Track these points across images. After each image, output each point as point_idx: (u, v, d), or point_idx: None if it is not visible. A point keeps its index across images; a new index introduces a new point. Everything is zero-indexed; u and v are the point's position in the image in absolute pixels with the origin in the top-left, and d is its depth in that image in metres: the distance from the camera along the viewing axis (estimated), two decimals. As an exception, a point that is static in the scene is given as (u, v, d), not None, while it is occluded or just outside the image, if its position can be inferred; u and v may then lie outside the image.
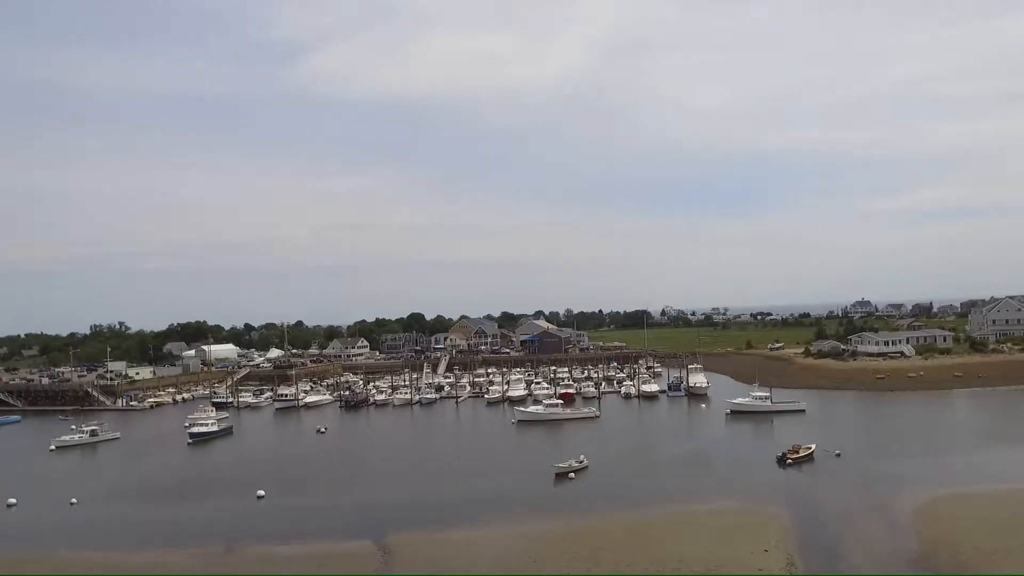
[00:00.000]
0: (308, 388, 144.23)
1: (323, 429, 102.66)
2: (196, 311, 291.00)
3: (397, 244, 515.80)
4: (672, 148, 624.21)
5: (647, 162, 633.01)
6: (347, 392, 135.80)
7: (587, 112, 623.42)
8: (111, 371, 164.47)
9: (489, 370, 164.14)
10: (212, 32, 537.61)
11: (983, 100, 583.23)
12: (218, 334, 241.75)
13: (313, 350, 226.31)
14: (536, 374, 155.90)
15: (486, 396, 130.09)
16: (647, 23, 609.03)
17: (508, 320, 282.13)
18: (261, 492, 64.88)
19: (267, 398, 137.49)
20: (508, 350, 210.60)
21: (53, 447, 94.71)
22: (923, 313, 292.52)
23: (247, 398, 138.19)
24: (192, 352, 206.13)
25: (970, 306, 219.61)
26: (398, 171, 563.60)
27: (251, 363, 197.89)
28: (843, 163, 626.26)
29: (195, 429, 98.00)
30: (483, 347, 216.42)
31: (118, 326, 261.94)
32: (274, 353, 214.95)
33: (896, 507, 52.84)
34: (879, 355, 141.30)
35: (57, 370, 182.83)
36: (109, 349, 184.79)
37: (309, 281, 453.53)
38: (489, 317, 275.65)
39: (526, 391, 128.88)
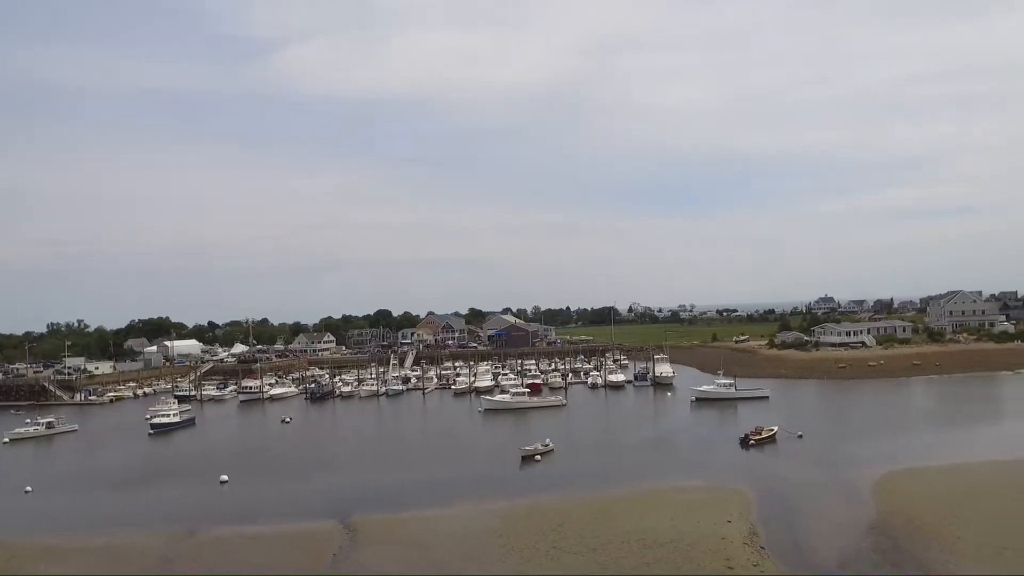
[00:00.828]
0: (273, 381, 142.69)
1: (288, 419, 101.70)
2: (160, 309, 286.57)
3: (367, 243, 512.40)
4: (643, 148, 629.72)
5: (619, 161, 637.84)
6: (313, 385, 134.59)
7: (557, 112, 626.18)
8: (69, 367, 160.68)
9: (456, 363, 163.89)
10: (181, 27, 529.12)
11: (942, 103, 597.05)
12: (181, 331, 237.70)
13: (278, 346, 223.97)
14: (503, 366, 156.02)
15: (453, 387, 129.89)
16: (620, 23, 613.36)
17: (476, 316, 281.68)
18: (224, 477, 64.19)
19: (231, 391, 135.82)
20: (475, 345, 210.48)
21: (7, 439, 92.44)
22: (884, 309, 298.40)
23: (211, 391, 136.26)
24: (154, 348, 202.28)
25: (928, 301, 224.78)
26: (370, 169, 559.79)
27: (215, 358, 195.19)
28: (810, 163, 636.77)
29: (156, 420, 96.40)
30: (450, 342, 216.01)
31: (76, 324, 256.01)
32: (239, 349, 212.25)
33: (854, 482, 53.97)
34: (841, 345, 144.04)
35: (12, 366, 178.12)
36: (68, 344, 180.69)
37: (277, 280, 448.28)
38: (456, 314, 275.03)
39: (493, 382, 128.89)
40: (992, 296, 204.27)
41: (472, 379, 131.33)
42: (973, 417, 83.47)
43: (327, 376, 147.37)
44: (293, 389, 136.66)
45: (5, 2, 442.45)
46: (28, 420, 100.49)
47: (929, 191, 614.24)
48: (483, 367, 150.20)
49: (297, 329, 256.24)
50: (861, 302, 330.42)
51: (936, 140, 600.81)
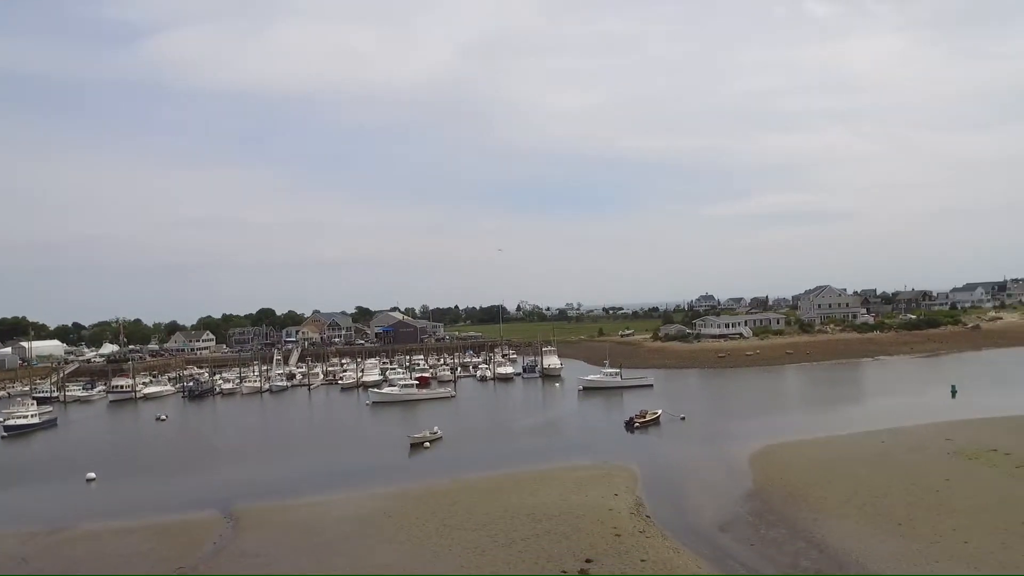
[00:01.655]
0: (147, 380, 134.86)
1: (163, 417, 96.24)
2: (16, 309, 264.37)
3: (250, 241, 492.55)
4: (533, 149, 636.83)
5: (509, 162, 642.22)
6: (191, 383, 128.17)
7: (447, 112, 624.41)
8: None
9: (343, 360, 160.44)
10: (39, 4, 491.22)
11: (814, 114, 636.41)
12: (42, 331, 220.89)
13: (153, 345, 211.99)
14: (392, 362, 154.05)
15: (340, 382, 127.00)
16: (509, 25, 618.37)
17: (363, 315, 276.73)
18: (91, 475, 60.01)
19: (100, 391, 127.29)
20: (363, 342, 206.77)
21: None
22: (760, 305, 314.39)
23: (76, 392, 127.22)
24: (8, 349, 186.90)
25: (799, 298, 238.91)
26: (252, 166, 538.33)
27: (81, 358, 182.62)
28: (691, 168, 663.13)
29: (11, 422, 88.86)
30: (337, 339, 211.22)
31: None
32: (108, 349, 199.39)
33: (733, 456, 56.44)
34: (721, 336, 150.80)
35: None
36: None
37: (152, 278, 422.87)
38: (343, 313, 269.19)
39: (381, 376, 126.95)
40: (855, 292, 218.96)
41: (359, 374, 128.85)
42: (838, 398, 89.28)
43: (206, 374, 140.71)
44: (169, 388, 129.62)
45: None
46: None
47: (799, 197, 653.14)
48: (371, 362, 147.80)
49: (173, 328, 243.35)
50: (739, 299, 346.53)
51: (806, 150, 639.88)
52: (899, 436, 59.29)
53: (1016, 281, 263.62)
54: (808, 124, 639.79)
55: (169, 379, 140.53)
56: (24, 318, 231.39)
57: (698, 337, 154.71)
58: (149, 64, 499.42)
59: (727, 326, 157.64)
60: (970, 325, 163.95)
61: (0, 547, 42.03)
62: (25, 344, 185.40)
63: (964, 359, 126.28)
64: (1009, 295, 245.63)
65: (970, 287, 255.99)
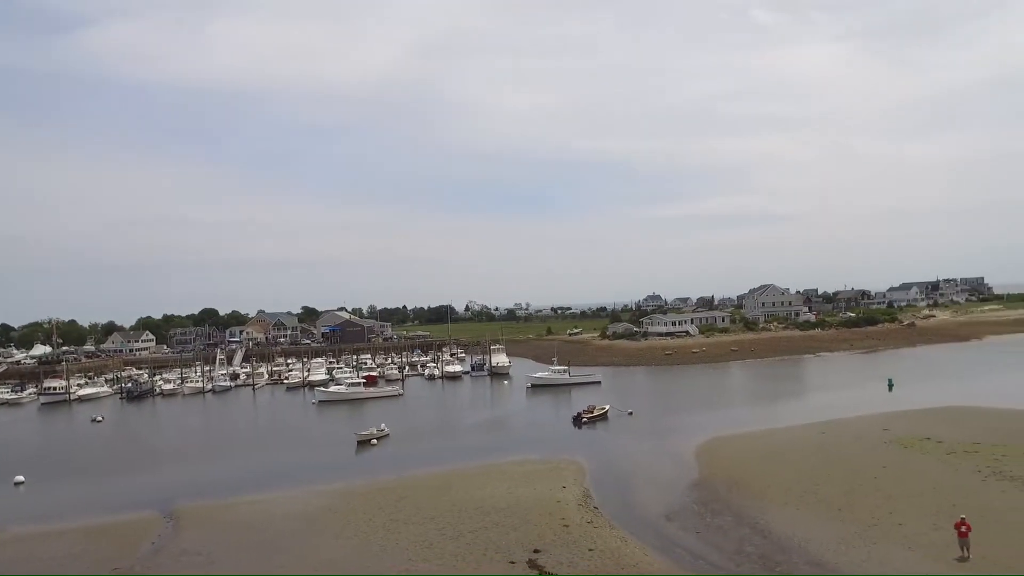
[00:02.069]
0: (83, 382, 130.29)
1: (99, 418, 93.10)
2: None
3: (192, 240, 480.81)
4: (484, 149, 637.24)
5: (459, 162, 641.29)
6: (129, 384, 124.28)
7: (399, 111, 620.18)
8: None
9: (289, 360, 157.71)
10: None
11: (759, 119, 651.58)
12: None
13: (89, 347, 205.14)
14: (339, 361, 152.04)
15: (285, 382, 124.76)
16: (461, 25, 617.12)
17: (310, 315, 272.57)
18: (20, 478, 57.61)
19: (31, 393, 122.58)
20: (309, 341, 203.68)
21: None
22: (706, 305, 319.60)
23: (4, 394, 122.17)
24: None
25: (743, 297, 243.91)
26: (198, 164, 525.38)
27: (9, 360, 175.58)
28: (641, 170, 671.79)
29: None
30: (283, 339, 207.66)
31: None
32: (40, 350, 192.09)
33: (679, 449, 57.12)
34: (668, 335, 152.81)
35: None
36: None
37: (88, 278, 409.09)
38: (289, 313, 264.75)
39: (327, 376, 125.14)
40: (798, 292, 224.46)
41: (305, 373, 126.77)
42: (781, 392, 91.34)
43: (146, 375, 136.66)
44: (106, 389, 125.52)
45: None
46: None
47: (745, 200, 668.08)
48: (317, 362, 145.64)
49: (111, 328, 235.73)
50: (686, 299, 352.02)
51: (751, 153, 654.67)
52: (839, 427, 60.83)
53: (948, 281, 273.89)
54: (753, 129, 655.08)
55: (106, 380, 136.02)
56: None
57: (645, 335, 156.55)
58: (88, 56, 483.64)
59: (674, 324, 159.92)
60: (906, 323, 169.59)
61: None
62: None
63: (900, 355, 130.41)
64: (942, 294, 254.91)
65: (905, 287, 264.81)
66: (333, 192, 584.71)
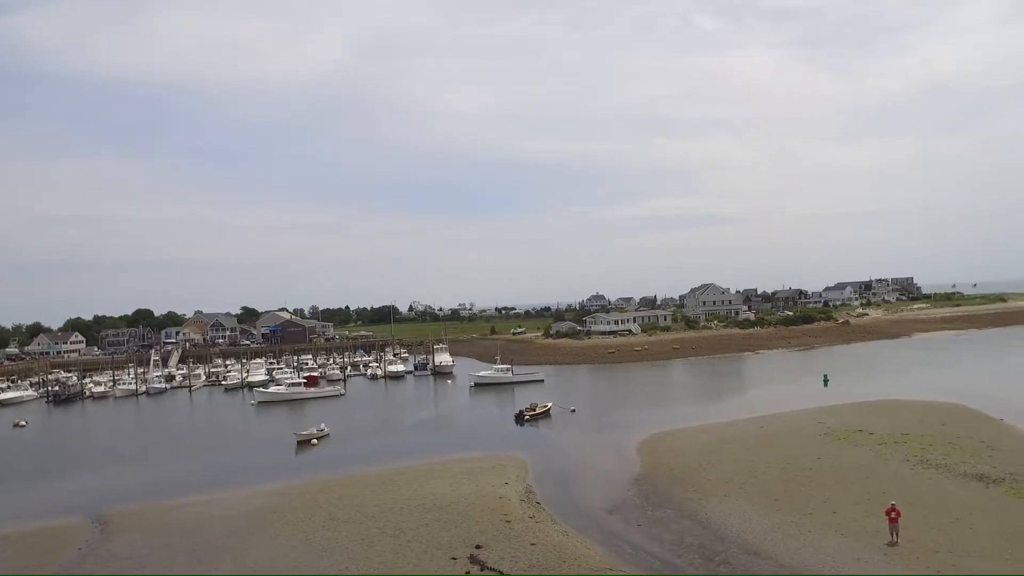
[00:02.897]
0: (4, 386, 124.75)
1: (23, 423, 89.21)
2: None
3: (125, 240, 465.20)
4: (429, 149, 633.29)
5: (404, 162, 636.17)
6: (56, 387, 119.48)
7: (344, 110, 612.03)
8: None
9: (228, 361, 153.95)
10: None
11: (702, 122, 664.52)
12: None
13: (12, 349, 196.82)
14: (279, 361, 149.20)
15: (223, 383, 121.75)
16: (406, 24, 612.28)
17: (250, 315, 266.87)
18: (-68, 486, 54.76)
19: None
20: (248, 342, 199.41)
21: None
22: (649, 304, 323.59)
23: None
24: None
25: (685, 297, 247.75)
26: (129, 161, 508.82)
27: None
28: (587, 171, 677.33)
29: None
30: (221, 340, 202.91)
31: None
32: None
33: (621, 445, 57.52)
34: (611, 333, 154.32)
35: None
36: None
37: (12, 278, 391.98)
38: (228, 314, 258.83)
39: (267, 376, 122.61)
40: (738, 291, 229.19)
41: (244, 374, 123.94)
42: (721, 389, 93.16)
43: (74, 378, 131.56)
44: (31, 393, 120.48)
45: None
46: None
47: (690, 201, 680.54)
48: (256, 362, 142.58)
49: (36, 330, 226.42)
50: (629, 299, 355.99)
51: (696, 155, 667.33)
52: (776, 421, 62.19)
53: (880, 281, 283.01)
54: (698, 131, 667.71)
55: (31, 384, 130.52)
56: None
57: (588, 334, 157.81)
58: (9, 46, 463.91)
59: (617, 323, 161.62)
60: (840, 321, 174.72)
61: None
62: None
63: (835, 352, 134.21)
64: (874, 294, 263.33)
65: (840, 286, 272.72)
66: (276, 191, 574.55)
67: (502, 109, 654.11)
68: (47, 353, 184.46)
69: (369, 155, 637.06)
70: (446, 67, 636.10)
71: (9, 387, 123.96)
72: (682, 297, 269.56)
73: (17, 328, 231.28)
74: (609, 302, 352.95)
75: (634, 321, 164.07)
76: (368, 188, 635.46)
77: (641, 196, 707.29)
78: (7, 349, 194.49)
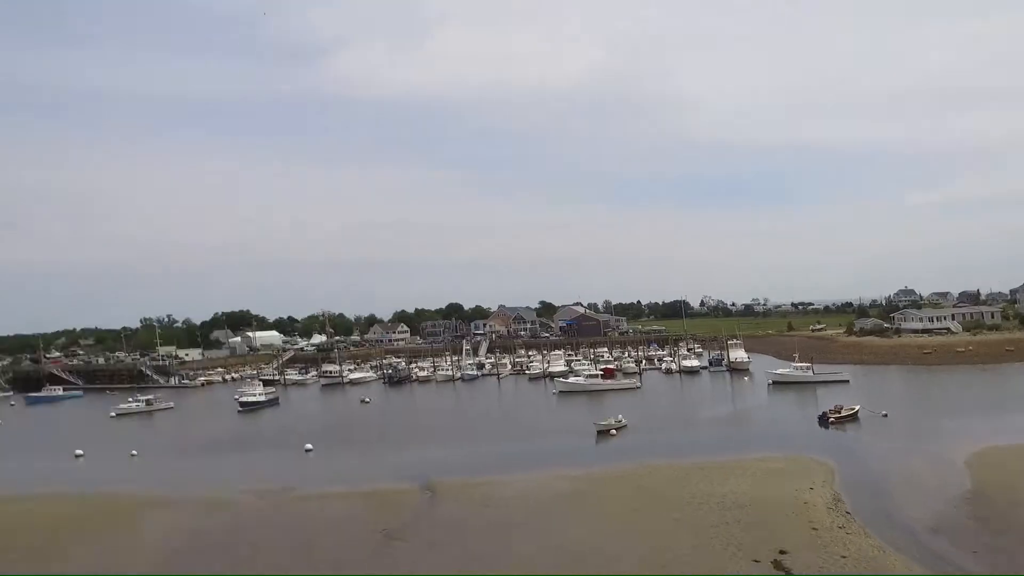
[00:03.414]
0: (352, 367, 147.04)
1: (367, 400, 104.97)
2: (242, 304, 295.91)
3: (430, 242, 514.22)
4: (703, 143, 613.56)
5: (679, 158, 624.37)
6: (390, 370, 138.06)
7: (611, 109, 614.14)
8: (162, 354, 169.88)
9: (529, 352, 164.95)
10: (230, 34, 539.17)
11: (1006, 93, 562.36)
12: (263, 323, 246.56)
13: (355, 336, 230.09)
14: (576, 353, 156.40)
15: (527, 372, 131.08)
16: (665, 19, 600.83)
17: (547, 309, 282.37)
18: (309, 446, 66.82)
19: (313, 376, 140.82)
20: (547, 335, 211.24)
21: (113, 414, 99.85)
22: (971, 300, 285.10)
23: (293, 376, 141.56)
24: (237, 339, 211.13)
25: (1016, 291, 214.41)
26: (425, 170, 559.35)
27: (295, 347, 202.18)
28: (878, 156, 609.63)
29: (244, 399, 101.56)
30: (523, 332, 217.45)
31: (166, 319, 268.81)
32: (317, 339, 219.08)
33: (945, 456, 51.97)
34: (923, 331, 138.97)
35: (112, 355, 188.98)
36: (159, 331, 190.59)
37: (343, 276, 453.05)
38: (528, 307, 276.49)
39: (566, 367, 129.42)
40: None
41: (545, 365, 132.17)
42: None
43: (403, 363, 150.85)
44: (371, 374, 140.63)
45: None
46: (131, 398, 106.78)
47: (1005, 184, 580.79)
48: (555, 354, 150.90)
49: (372, 321, 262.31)
50: (944, 294, 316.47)
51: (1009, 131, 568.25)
52: None
53: None
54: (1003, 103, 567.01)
55: (371, 367, 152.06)
56: (248, 311, 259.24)
57: (897, 332, 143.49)
58: (327, 81, 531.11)
59: (931, 320, 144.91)
60: None
61: (240, 500, 48.30)
62: (250, 334, 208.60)
63: None
64: None
65: None
66: (558, 192, 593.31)
67: (781, 93, 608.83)
68: (381, 341, 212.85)
69: (643, 152, 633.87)
70: (712, 59, 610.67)
71: (356, 368, 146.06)
72: (1014, 291, 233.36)
73: (358, 319, 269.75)
74: (920, 297, 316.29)
75: (953, 319, 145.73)
76: (646, 185, 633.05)
77: (945, 180, 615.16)
78: (351, 337, 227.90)
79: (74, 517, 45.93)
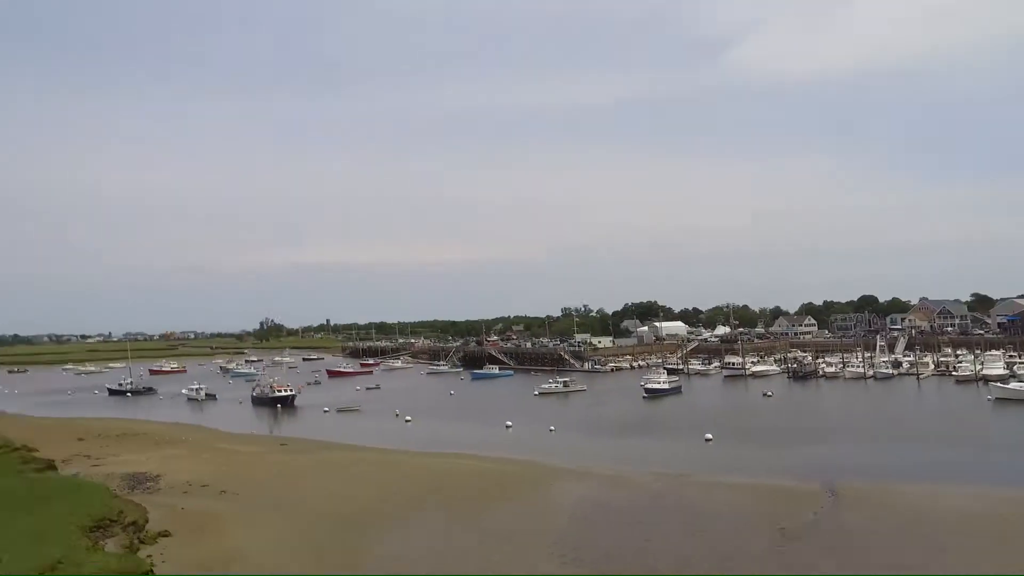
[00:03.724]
0: (755, 360, 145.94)
1: (769, 393, 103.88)
2: (649, 295, 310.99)
3: (844, 228, 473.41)
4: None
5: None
6: (795, 364, 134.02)
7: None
8: (578, 341, 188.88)
9: (958, 351, 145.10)
10: (649, 35, 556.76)
11: None
12: (669, 314, 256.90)
13: (759, 329, 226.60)
14: (1020, 355, 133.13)
15: (953, 374, 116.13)
16: None
17: (981, 303, 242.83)
18: (709, 436, 69.13)
19: (715, 367, 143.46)
20: (981, 332, 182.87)
21: (536, 392, 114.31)
22: None
23: (696, 366, 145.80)
24: (644, 328, 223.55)
25: None
26: (834, 154, 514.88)
27: (700, 337, 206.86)
28: None
29: (649, 386, 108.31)
30: (949, 328, 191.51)
31: (582, 308, 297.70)
32: (721, 330, 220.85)
33: None
34: None
35: (537, 340, 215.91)
36: (576, 320, 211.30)
37: (746, 267, 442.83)
38: (957, 301, 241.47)
39: (1006, 371, 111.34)
40: None
41: (979, 366, 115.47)
42: None
43: (809, 357, 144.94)
44: (774, 368, 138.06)
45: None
46: (551, 380, 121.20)
47: None
48: (992, 354, 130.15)
49: (777, 313, 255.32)
50: None
51: None
52: None
53: None
54: None
55: (774, 360, 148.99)
56: (655, 302, 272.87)
57: None
58: (738, 71, 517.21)
59: None
60: None
61: (640, 481, 52.52)
62: (657, 324, 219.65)
63: None
64: None
65: None
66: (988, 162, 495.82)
67: None
68: (786, 334, 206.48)
69: None
70: None
71: (759, 361, 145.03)
72: None
73: (763, 311, 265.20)
74: None
75: None
76: None
77: None
78: (755, 329, 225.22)
79: (504, 475, 54.89)
